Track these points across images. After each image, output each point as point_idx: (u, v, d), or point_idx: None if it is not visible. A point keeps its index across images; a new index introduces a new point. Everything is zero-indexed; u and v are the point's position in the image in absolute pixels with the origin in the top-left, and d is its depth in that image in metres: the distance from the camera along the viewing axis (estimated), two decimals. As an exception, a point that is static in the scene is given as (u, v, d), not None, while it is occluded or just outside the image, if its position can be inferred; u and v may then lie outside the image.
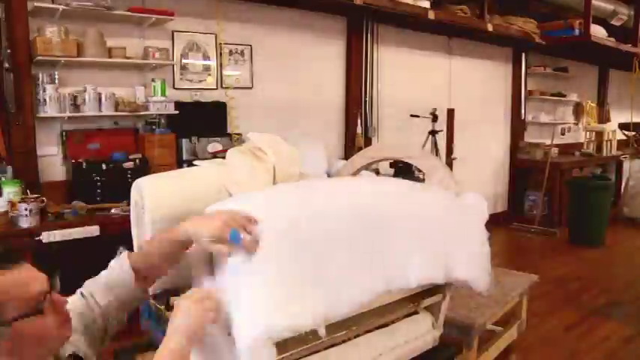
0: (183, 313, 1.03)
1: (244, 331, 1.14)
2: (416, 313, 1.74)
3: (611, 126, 7.50)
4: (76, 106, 3.08)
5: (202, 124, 3.56)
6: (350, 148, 4.65)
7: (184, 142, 3.40)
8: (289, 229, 1.19)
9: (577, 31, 5.76)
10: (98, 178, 3.00)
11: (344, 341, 1.48)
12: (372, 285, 1.35)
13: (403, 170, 4.14)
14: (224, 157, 2.05)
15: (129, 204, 1.99)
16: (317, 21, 4.41)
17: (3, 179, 2.81)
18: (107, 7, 3.05)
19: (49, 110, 2.98)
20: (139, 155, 3.25)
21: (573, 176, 6.10)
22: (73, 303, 1.12)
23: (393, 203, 1.47)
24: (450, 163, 4.62)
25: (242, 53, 3.98)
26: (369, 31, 4.69)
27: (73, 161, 3.01)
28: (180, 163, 3.39)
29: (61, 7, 2.91)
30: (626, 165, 7.37)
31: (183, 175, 2.03)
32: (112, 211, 2.86)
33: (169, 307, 1.69)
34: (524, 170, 6.56)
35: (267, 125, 3.93)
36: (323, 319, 1.19)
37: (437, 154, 4.60)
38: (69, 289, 1.14)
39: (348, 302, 1.27)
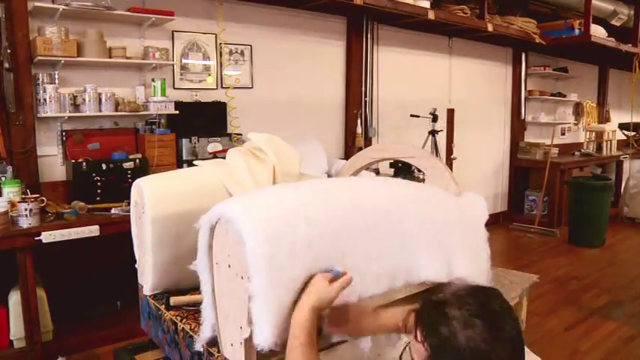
0: (309, 289, 1.17)
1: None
2: (416, 313, 1.74)
3: (611, 126, 7.50)
4: (76, 106, 3.08)
5: (202, 124, 3.56)
6: (350, 148, 4.66)
7: (184, 142, 3.39)
8: (286, 231, 1.18)
9: (577, 31, 5.76)
10: (98, 178, 3.00)
11: (344, 341, 1.48)
12: (376, 286, 1.35)
13: (403, 170, 4.14)
14: (224, 157, 2.05)
15: (129, 204, 1.99)
16: (317, 21, 4.41)
17: (3, 179, 2.81)
18: (107, 7, 3.05)
19: (49, 110, 2.97)
20: (139, 155, 3.25)
21: (573, 176, 6.09)
22: None
23: (395, 204, 1.47)
24: (450, 163, 4.62)
25: (242, 53, 3.98)
26: (369, 31, 4.69)
27: (73, 161, 3.01)
28: (180, 163, 3.39)
29: (61, 7, 2.91)
30: (626, 165, 7.37)
31: (183, 175, 2.03)
32: (112, 211, 2.86)
33: (169, 307, 1.69)
34: (524, 170, 6.56)
35: (267, 125, 3.92)
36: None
37: (437, 154, 4.60)
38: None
39: (350, 298, 1.28)
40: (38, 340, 2.65)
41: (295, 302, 1.16)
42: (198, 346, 1.38)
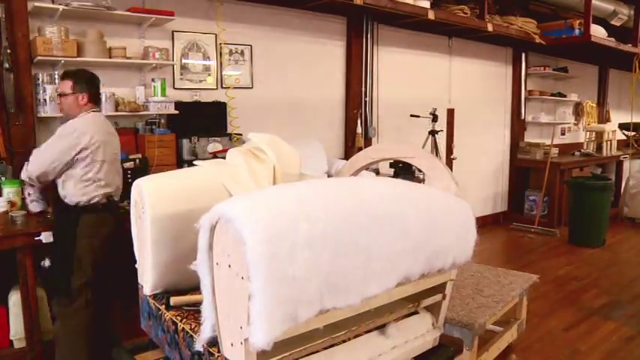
0: None
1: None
2: (416, 313, 1.74)
3: (611, 126, 7.50)
4: (76, 106, 3.08)
5: (202, 124, 3.56)
6: (350, 148, 4.66)
7: (184, 142, 3.39)
8: (287, 230, 1.18)
9: (577, 31, 5.76)
10: (98, 178, 2.99)
11: (344, 341, 1.48)
12: (377, 284, 1.35)
13: (403, 170, 4.14)
14: (224, 157, 2.06)
15: (129, 204, 1.99)
16: (317, 21, 4.41)
17: (3, 179, 2.81)
18: (107, 7, 3.05)
19: (49, 110, 2.98)
20: (139, 155, 3.24)
21: (573, 176, 6.09)
22: None
23: (395, 203, 1.47)
24: (450, 163, 4.62)
25: (242, 53, 3.98)
26: (369, 32, 4.69)
27: (73, 161, 3.00)
28: (180, 163, 3.39)
29: (61, 7, 2.91)
30: (626, 165, 7.37)
31: (183, 175, 2.03)
32: (112, 211, 2.85)
33: (169, 307, 1.69)
34: (524, 170, 6.56)
35: (267, 125, 3.93)
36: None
37: (437, 154, 4.60)
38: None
39: (351, 298, 1.28)
40: (38, 340, 2.65)
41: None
42: (198, 346, 1.38)
